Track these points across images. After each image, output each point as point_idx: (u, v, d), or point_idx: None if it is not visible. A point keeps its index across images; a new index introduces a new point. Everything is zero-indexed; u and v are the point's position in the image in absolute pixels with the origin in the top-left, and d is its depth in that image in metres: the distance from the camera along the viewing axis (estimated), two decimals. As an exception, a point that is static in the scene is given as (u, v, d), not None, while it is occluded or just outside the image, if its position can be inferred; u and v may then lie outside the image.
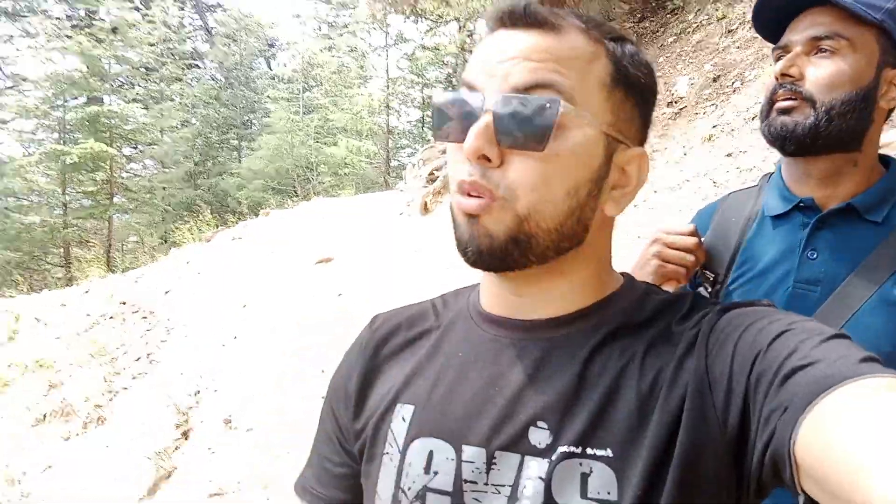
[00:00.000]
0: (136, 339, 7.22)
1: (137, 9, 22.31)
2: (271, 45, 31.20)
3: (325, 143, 23.27)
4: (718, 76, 6.20)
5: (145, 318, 7.68)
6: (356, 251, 7.69)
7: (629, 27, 8.38)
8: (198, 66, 29.37)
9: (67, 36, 19.48)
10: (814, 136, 1.08)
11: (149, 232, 21.48)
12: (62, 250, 19.68)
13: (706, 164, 4.96)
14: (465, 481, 0.67)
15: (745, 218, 1.23)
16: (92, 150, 17.75)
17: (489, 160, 0.65)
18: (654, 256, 1.21)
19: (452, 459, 0.68)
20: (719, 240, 1.24)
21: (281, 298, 6.93)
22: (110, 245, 19.59)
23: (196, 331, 6.96)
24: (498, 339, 0.73)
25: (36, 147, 20.78)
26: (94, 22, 21.71)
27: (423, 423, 0.71)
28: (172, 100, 23.76)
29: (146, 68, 22.99)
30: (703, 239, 1.24)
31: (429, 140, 17.73)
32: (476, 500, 0.66)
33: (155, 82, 23.59)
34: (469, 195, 0.66)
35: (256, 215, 12.02)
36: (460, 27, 13.67)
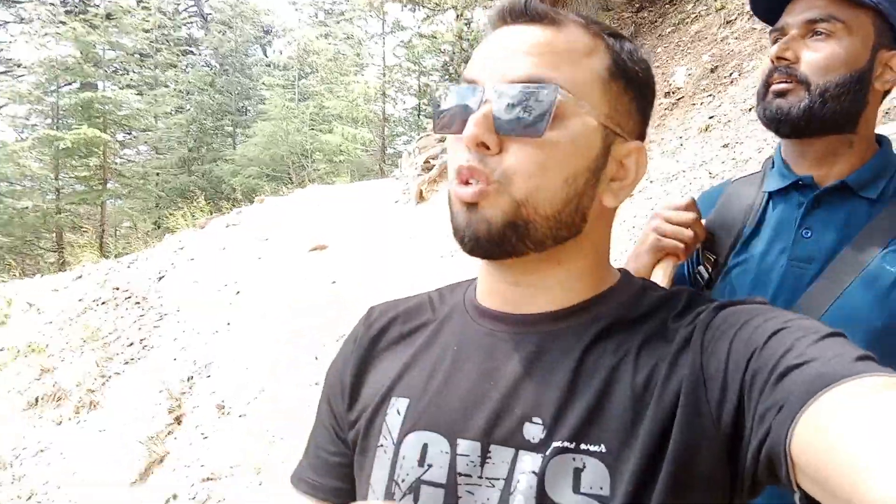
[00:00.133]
0: (128, 325, 7.21)
1: (132, -6, 22.18)
2: (267, 32, 30.96)
3: (321, 131, 23.15)
4: (716, 67, 6.17)
5: (138, 303, 7.66)
6: (351, 238, 7.69)
7: (627, 17, 8.35)
8: (193, 53, 29.14)
9: (62, 22, 19.30)
10: (808, 119, 1.09)
11: (142, 218, 21.35)
12: (55, 235, 19.55)
13: (702, 155, 4.96)
14: (460, 474, 0.67)
15: (749, 204, 1.23)
16: (85, 135, 17.65)
17: (488, 147, 0.65)
18: (652, 231, 1.22)
19: (447, 452, 0.68)
20: (722, 223, 1.25)
21: (275, 285, 6.93)
22: (103, 230, 19.49)
23: (189, 317, 6.96)
24: (494, 333, 0.73)
25: (29, 132, 20.58)
26: (88, 8, 21.58)
27: (419, 416, 0.72)
28: (167, 86, 23.56)
29: (141, 54, 22.81)
30: (704, 218, 1.25)
31: (425, 128, 17.67)
32: (470, 492, 0.66)
33: (149, 68, 23.42)
34: (467, 182, 0.66)
35: (251, 202, 11.99)
36: (458, 15, 13.59)
